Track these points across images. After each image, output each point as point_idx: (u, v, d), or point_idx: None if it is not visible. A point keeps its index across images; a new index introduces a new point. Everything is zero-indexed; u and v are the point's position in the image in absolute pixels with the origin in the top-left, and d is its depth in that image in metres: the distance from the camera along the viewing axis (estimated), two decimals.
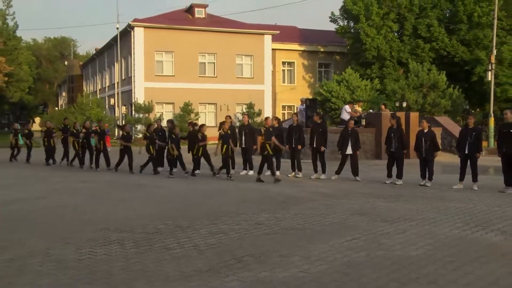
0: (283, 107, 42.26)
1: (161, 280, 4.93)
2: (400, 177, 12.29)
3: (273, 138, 13.01)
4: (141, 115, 34.70)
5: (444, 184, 11.96)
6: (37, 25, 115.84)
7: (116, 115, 40.89)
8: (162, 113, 35.16)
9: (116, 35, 38.27)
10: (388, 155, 12.66)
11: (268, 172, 13.17)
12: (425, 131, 12.02)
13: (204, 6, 40.27)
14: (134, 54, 36.19)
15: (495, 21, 27.71)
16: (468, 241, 6.46)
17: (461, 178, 11.47)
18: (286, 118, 34.07)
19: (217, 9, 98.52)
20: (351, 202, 9.54)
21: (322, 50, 42.94)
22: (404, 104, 29.44)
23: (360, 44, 36.54)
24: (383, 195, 10.44)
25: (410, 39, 36.67)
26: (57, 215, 8.42)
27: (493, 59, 26.85)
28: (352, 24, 38.57)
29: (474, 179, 11.33)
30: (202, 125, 14.90)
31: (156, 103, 35.71)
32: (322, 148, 13.62)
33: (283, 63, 42.53)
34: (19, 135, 21.17)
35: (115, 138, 33.95)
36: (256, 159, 14.58)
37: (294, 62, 42.61)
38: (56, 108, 71.04)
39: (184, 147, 14.80)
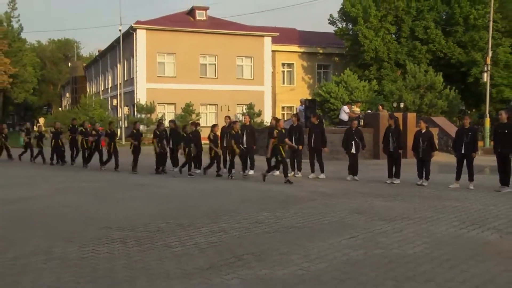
0: (283, 107, 42.41)
1: (163, 278, 4.97)
2: (398, 177, 12.41)
3: (286, 139, 13.05)
4: (143, 116, 34.92)
5: (441, 183, 12.04)
6: (41, 27, 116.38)
7: (118, 115, 41.08)
8: (164, 113, 35.31)
9: (119, 37, 38.45)
10: (387, 155, 12.77)
11: (277, 172, 13.36)
12: (423, 131, 12.11)
13: (205, 9, 40.51)
14: (136, 55, 36.43)
15: (491, 23, 27.90)
16: (464, 239, 6.51)
17: (458, 178, 11.55)
18: (285, 119, 34.19)
19: (217, 12, 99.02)
20: (350, 201, 9.61)
21: (321, 51, 43.13)
22: (402, 105, 29.58)
23: (358, 46, 36.72)
24: (381, 194, 10.52)
25: (407, 41, 36.86)
26: (61, 214, 8.48)
27: (488, 61, 27.03)
28: (350, 26, 38.78)
29: (470, 179, 11.42)
30: (215, 125, 14.74)
31: (158, 103, 35.99)
32: (326, 149, 13.80)
33: (283, 64, 42.70)
34: (31, 135, 21.15)
35: (117, 138, 34.07)
36: (258, 159, 14.75)
37: (293, 64, 42.79)
38: (60, 109, 71.11)
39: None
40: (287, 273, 5.11)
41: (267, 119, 35.04)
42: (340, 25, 39.45)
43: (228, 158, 14.15)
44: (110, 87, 46.28)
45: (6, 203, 9.74)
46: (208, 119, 37.15)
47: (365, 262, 5.47)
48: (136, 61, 36.49)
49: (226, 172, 14.01)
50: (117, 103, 41.72)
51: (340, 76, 34.14)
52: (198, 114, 35.35)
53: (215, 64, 38.24)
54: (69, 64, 71.90)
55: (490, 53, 27.64)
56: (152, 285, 4.80)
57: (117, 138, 17.36)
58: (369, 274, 5.04)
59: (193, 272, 5.16)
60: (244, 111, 35.66)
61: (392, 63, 36.81)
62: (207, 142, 14.42)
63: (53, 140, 18.85)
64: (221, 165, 14.46)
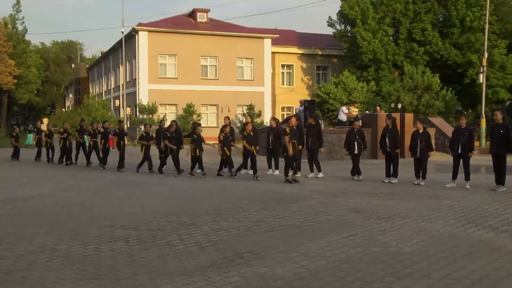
0: (282, 108, 42.52)
1: (164, 275, 5.02)
2: (395, 176, 12.51)
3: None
4: (145, 116, 35.08)
5: (438, 182, 12.12)
6: (45, 29, 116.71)
7: (121, 116, 41.27)
8: (166, 114, 35.44)
9: (121, 39, 38.68)
10: (385, 155, 12.88)
11: (269, 171, 13.43)
12: (420, 131, 12.20)
13: (206, 11, 40.72)
14: (138, 57, 36.66)
15: (487, 25, 28.10)
16: (460, 237, 6.57)
17: (454, 177, 11.61)
18: (281, 120, 34.39)
19: (218, 14, 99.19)
20: (348, 200, 9.68)
21: (320, 53, 43.28)
22: (399, 106, 29.70)
23: (356, 47, 36.86)
24: (378, 193, 10.59)
25: (405, 42, 37.03)
26: (65, 212, 8.57)
27: (484, 62, 27.21)
28: (349, 28, 38.93)
29: (467, 178, 11.47)
30: (225, 126, 14.58)
31: (159, 104, 36.20)
32: (322, 150, 13.86)
33: (283, 65, 42.84)
34: (42, 134, 21.17)
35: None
36: (259, 160, 14.84)
37: (293, 65, 42.94)
38: (64, 110, 71.23)
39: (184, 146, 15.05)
40: (287, 270, 5.17)
41: (267, 119, 35.18)
42: (338, 27, 39.60)
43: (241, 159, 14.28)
44: (113, 88, 46.43)
45: (11, 201, 9.83)
46: (209, 119, 37.45)
47: (363, 260, 5.53)
48: (138, 62, 36.70)
49: (234, 171, 14.10)
50: (119, 104, 41.92)
51: (338, 77, 34.33)
52: (199, 115, 35.65)
53: (216, 66, 38.41)
54: (73, 65, 72.14)
55: (486, 55, 27.83)
56: (154, 282, 4.85)
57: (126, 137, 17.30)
58: (367, 271, 5.10)
59: (194, 269, 5.21)
60: (244, 111, 35.93)
61: (390, 64, 36.96)
62: (216, 142, 14.53)
63: (61, 141, 18.88)
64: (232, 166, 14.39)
